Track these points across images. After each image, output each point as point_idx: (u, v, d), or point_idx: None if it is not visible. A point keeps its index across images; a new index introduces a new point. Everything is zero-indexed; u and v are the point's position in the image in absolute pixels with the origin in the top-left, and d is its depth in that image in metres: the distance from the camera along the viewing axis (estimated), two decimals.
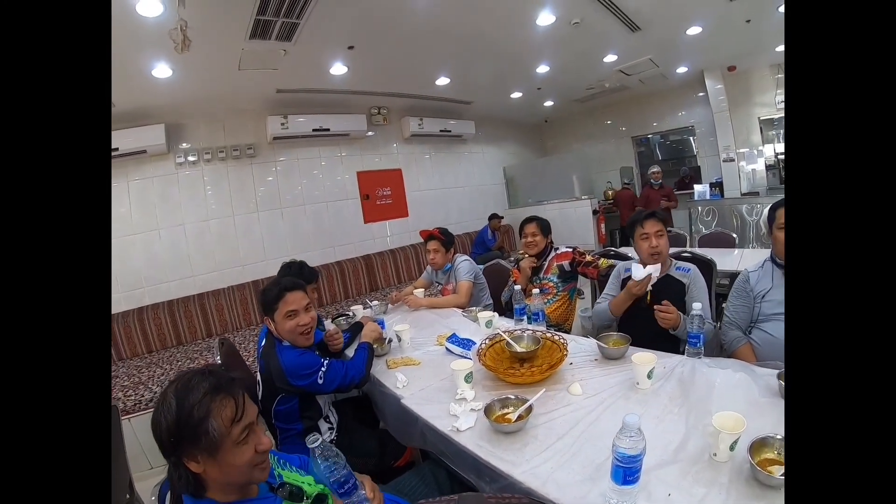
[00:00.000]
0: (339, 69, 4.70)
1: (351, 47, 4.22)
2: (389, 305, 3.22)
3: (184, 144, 4.87)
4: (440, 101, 6.65)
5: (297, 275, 2.40)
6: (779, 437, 1.18)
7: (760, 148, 7.46)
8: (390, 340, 2.36)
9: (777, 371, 1.55)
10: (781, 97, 7.05)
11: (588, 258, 2.92)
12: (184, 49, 3.12)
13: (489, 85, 6.35)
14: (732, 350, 2.11)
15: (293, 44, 3.81)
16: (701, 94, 7.65)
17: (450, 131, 7.22)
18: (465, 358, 2.05)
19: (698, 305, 1.78)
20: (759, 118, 7.40)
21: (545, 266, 3.00)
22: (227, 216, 5.15)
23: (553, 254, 3.01)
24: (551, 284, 2.97)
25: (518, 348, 1.96)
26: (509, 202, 8.77)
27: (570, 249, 3.01)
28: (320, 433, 1.95)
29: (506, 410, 1.52)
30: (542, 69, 5.93)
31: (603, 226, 7.64)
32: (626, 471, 1.04)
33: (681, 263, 2.35)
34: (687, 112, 8.15)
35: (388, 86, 5.72)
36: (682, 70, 7.06)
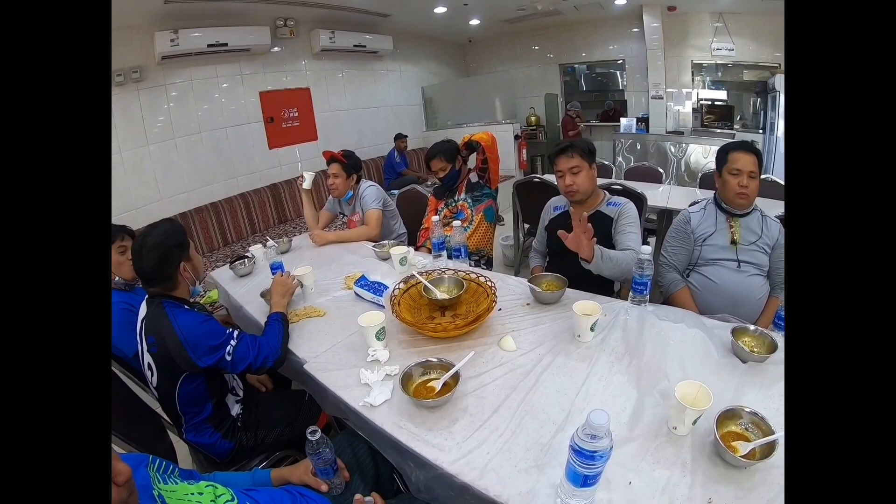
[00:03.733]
0: None
1: None
2: (293, 241, 2.79)
3: None
4: (355, 12, 5.96)
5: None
6: (746, 409, 1.04)
7: (689, 90, 7.47)
8: (300, 283, 1.98)
9: (730, 327, 1.40)
10: (717, 44, 7.00)
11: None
12: None
13: None
14: (670, 293, 2.01)
15: None
16: (636, 29, 7.45)
17: (365, 46, 6.57)
18: (377, 305, 1.77)
19: (647, 249, 1.57)
20: (692, 61, 7.36)
21: (458, 187, 2.73)
22: (114, 153, 4.27)
23: (467, 173, 2.77)
24: (464, 204, 2.70)
25: (438, 294, 1.67)
26: (427, 124, 8.35)
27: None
28: (229, 411, 1.63)
29: (427, 377, 1.26)
30: None
31: (525, 152, 7.49)
32: (588, 476, 0.82)
33: (613, 198, 2.12)
34: (618, 46, 7.94)
35: None
36: (620, 2, 6.79)
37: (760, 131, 6.77)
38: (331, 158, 2.79)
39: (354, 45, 6.43)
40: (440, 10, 6.53)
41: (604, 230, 2.00)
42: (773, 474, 0.92)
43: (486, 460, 1.01)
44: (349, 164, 2.79)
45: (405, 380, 1.22)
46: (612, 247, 1.93)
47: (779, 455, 0.93)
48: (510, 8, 6.91)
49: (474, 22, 7.64)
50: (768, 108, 6.54)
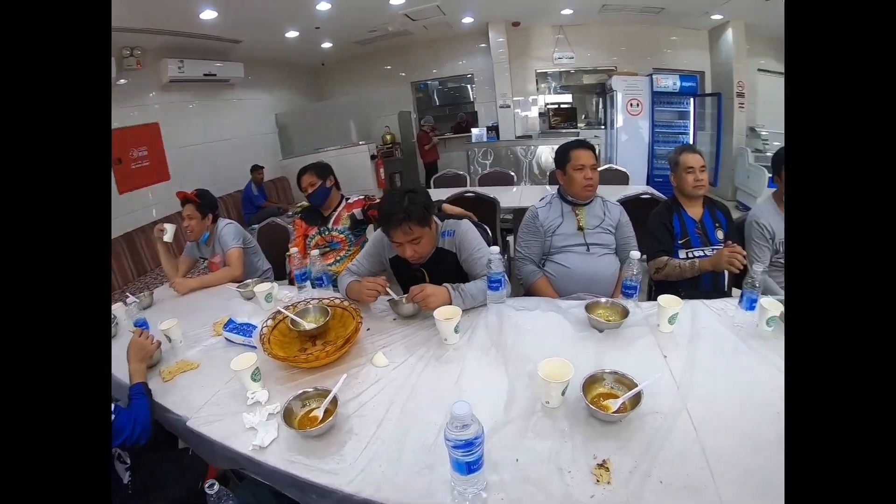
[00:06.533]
0: None
1: None
2: (154, 294, 2.61)
3: None
4: (205, 38, 5.72)
5: None
6: (607, 370, 1.22)
7: (534, 97, 8.27)
8: (159, 343, 1.81)
9: (583, 303, 1.62)
10: (558, 53, 7.83)
11: (378, 200, 2.66)
12: None
13: (262, 21, 5.65)
14: (530, 283, 2.18)
15: None
16: (483, 44, 8.02)
17: (215, 75, 6.32)
18: (249, 346, 1.74)
19: (496, 249, 1.73)
20: (535, 70, 8.14)
21: (334, 216, 2.78)
22: None
23: (344, 203, 2.81)
24: (342, 237, 2.76)
25: (306, 325, 1.71)
26: (283, 152, 8.18)
27: (362, 197, 2.82)
28: (121, 479, 1.51)
29: (308, 408, 1.32)
30: (323, 6, 5.44)
31: (382, 170, 7.65)
32: (470, 462, 0.93)
33: (444, 226, 1.97)
34: (467, 61, 8.49)
35: (143, 20, 4.66)
36: (467, 20, 7.23)
37: (602, 127, 7.66)
38: (184, 199, 2.65)
39: (205, 74, 6.17)
40: (292, 34, 6.48)
41: (451, 264, 1.94)
42: (647, 420, 1.10)
43: (380, 473, 1.07)
44: (203, 203, 2.67)
45: (287, 415, 1.25)
46: (463, 273, 1.93)
47: (646, 403, 1.10)
48: (362, 30, 7.03)
49: (326, 45, 7.64)
50: (608, 107, 7.39)
